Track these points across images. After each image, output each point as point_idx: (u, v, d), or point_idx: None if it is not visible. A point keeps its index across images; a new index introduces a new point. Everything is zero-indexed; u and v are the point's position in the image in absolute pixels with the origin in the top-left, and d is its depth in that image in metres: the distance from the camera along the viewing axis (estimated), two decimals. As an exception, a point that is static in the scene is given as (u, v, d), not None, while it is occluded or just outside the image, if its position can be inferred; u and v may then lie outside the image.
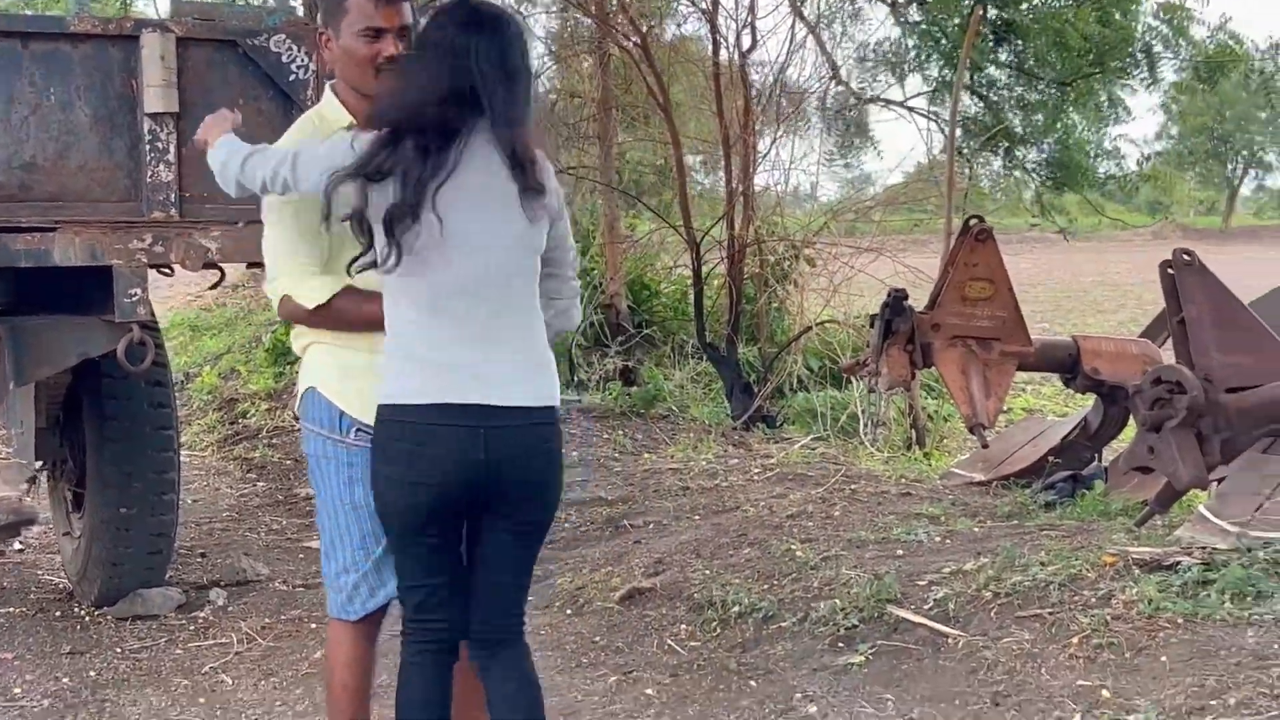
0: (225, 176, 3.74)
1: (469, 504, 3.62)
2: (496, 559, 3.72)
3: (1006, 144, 13.35)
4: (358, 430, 3.79)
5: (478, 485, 3.56)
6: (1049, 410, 11.99)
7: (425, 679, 3.76)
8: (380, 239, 3.45)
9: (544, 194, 3.57)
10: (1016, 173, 14.01)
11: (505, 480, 3.57)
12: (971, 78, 12.42)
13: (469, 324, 3.51)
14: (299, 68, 5.28)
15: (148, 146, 5.13)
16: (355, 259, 3.57)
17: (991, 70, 13.04)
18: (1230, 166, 62.38)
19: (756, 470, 8.66)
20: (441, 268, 3.47)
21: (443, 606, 3.72)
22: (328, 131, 3.80)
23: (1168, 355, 7.03)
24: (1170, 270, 6.68)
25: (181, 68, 5.16)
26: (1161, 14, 12.27)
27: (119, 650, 6.10)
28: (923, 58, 13.10)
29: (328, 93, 3.98)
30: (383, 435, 3.58)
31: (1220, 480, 6.37)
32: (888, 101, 13.84)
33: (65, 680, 5.73)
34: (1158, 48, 12.36)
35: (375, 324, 3.63)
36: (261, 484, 9.79)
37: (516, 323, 3.58)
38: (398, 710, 3.78)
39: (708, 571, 6.34)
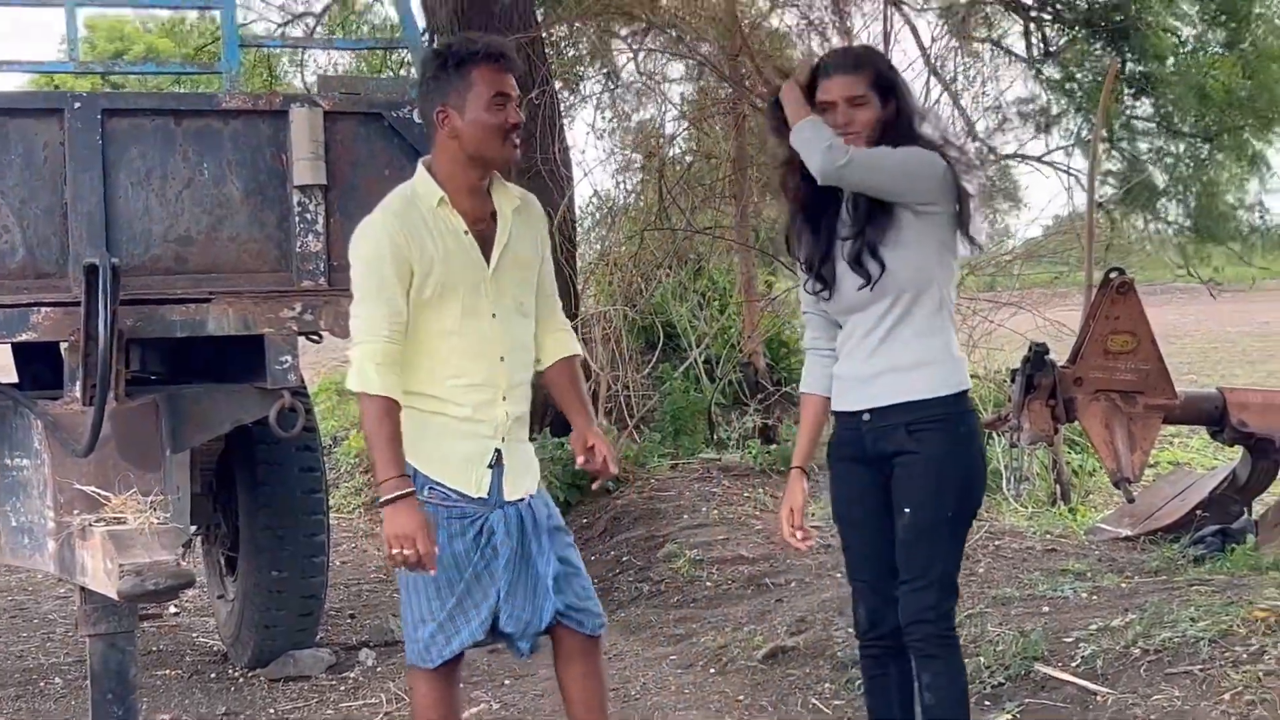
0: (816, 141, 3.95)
1: None
2: None
3: (1147, 196, 13.16)
4: (430, 487, 3.92)
5: None
6: (1196, 463, 11.78)
7: None
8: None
9: None
10: (1158, 226, 13.79)
11: None
12: (1111, 131, 12.28)
13: None
14: (441, 138, 5.39)
15: (297, 218, 5.27)
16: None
17: (1134, 123, 12.87)
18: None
19: (899, 528, 8.59)
20: None
21: None
22: (422, 208, 3.92)
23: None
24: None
25: (329, 141, 5.29)
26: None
27: (272, 711, 6.22)
28: (1059, 112, 13.00)
29: (420, 170, 4.02)
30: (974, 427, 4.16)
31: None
32: (1024, 157, 13.74)
33: (221, 740, 5.86)
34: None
35: (370, 438, 3.86)
36: (407, 546, 9.89)
37: None
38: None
39: (851, 630, 6.30)
